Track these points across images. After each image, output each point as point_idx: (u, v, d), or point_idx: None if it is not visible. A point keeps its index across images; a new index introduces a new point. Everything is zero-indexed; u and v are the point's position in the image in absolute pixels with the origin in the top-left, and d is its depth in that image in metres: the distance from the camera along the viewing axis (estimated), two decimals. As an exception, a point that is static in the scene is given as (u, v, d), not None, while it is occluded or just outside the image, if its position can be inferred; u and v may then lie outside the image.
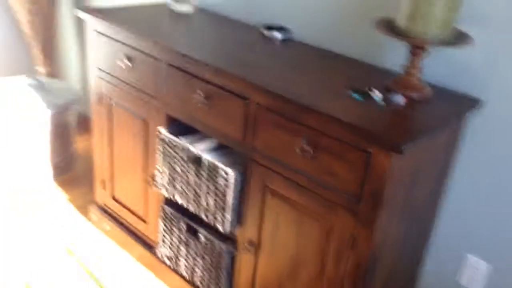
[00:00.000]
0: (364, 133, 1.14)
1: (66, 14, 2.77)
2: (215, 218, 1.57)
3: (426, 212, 1.50)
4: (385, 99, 1.28)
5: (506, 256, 1.48)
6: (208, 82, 1.48)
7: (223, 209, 1.53)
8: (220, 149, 1.62)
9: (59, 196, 2.38)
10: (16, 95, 2.34)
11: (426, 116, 1.28)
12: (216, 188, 1.53)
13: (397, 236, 1.37)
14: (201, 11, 1.99)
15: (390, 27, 1.30)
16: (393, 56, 1.53)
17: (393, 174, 1.16)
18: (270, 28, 1.77)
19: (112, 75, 1.80)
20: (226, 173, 1.48)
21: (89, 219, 2.21)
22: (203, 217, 1.61)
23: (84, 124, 2.82)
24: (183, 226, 1.72)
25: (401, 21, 1.25)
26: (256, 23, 1.87)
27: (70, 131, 2.49)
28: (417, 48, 1.27)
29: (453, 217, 1.56)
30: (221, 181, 1.51)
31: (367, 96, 1.29)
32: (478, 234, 1.52)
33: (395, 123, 1.22)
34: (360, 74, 1.52)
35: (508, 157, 1.40)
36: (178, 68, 1.55)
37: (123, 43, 1.70)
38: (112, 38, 1.74)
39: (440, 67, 1.44)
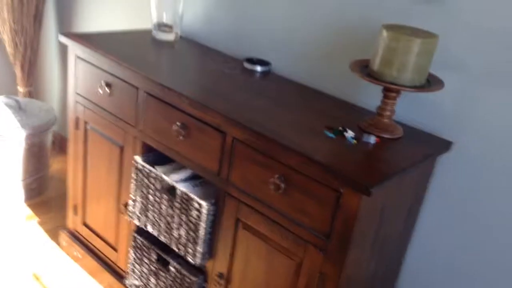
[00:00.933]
0: (335, 173, 1.16)
1: (50, 35, 2.77)
2: (187, 249, 1.55)
3: (395, 249, 1.52)
4: (357, 138, 1.31)
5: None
6: (186, 113, 1.48)
7: (195, 241, 1.52)
8: (194, 179, 1.62)
9: (29, 219, 2.32)
10: (-8, 114, 2.31)
11: (396, 156, 1.30)
12: (189, 219, 1.52)
13: (366, 273, 1.38)
14: (184, 40, 2.02)
15: (365, 69, 1.34)
16: (367, 95, 1.57)
17: (363, 213, 1.17)
18: (250, 60, 1.80)
19: (90, 101, 1.80)
20: (200, 205, 1.48)
21: (59, 244, 2.16)
22: (175, 248, 1.59)
23: (61, 145, 2.79)
24: (154, 257, 1.70)
25: (376, 64, 1.29)
26: (237, 55, 1.90)
27: (45, 152, 2.45)
28: (390, 92, 1.31)
29: (421, 254, 1.57)
30: (194, 213, 1.50)
31: (340, 134, 1.31)
32: (446, 271, 1.54)
33: (366, 163, 1.24)
34: (336, 111, 1.55)
35: (475, 197, 1.43)
36: (156, 97, 1.56)
37: (103, 70, 1.70)
38: (92, 64, 1.74)
39: (412, 108, 1.48)
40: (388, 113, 1.34)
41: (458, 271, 1.51)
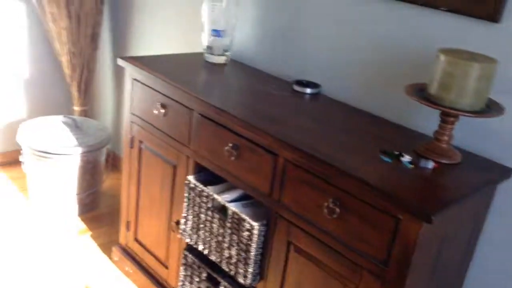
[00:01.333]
0: (394, 199, 1.14)
1: (105, 57, 2.90)
2: (237, 270, 1.56)
3: (453, 278, 1.47)
4: (414, 163, 1.29)
5: None
6: (238, 134, 1.51)
7: (246, 261, 1.53)
8: (245, 199, 1.63)
9: (82, 233, 2.41)
10: (50, 132, 2.43)
11: (455, 182, 1.27)
12: (240, 240, 1.54)
13: None
14: (235, 63, 2.06)
15: (420, 93, 1.33)
16: (423, 120, 1.55)
17: (423, 240, 1.14)
18: (300, 83, 1.81)
19: (145, 121, 1.86)
20: (251, 226, 1.49)
21: (111, 258, 2.23)
22: (225, 267, 1.61)
23: (114, 163, 2.89)
24: (204, 275, 1.72)
25: (433, 89, 1.27)
26: (287, 77, 1.92)
27: (99, 169, 2.55)
28: (448, 116, 1.29)
29: (479, 283, 1.51)
30: (245, 234, 1.51)
31: (396, 159, 1.30)
32: None
33: (425, 189, 1.22)
34: (389, 135, 1.54)
35: None
36: (209, 118, 1.60)
37: (159, 92, 1.76)
38: (148, 86, 1.81)
39: (471, 134, 1.45)
40: (446, 138, 1.32)
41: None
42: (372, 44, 1.67)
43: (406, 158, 1.29)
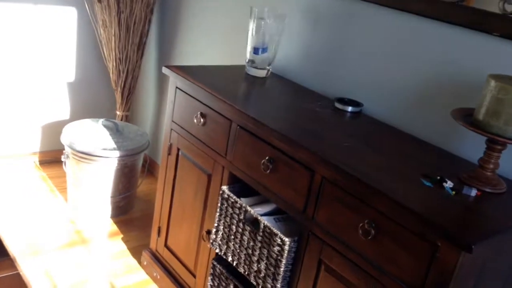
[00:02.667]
0: (433, 224, 1.10)
1: (150, 65, 2.98)
2: (265, 284, 1.55)
3: None
4: (456, 189, 1.24)
5: None
6: (275, 148, 1.51)
7: (275, 277, 1.51)
8: (278, 213, 1.62)
9: (114, 235, 2.45)
10: (92, 134, 2.50)
11: (499, 212, 1.22)
12: (270, 254, 1.52)
13: None
14: (276, 77, 2.07)
15: (467, 118, 1.29)
16: (468, 146, 1.50)
17: (461, 270, 1.10)
18: (342, 100, 1.80)
19: (184, 129, 1.89)
20: (283, 242, 1.47)
21: (140, 262, 2.25)
22: (253, 281, 1.59)
23: (150, 167, 2.94)
24: (231, 287, 1.70)
25: (481, 114, 1.23)
26: (328, 94, 1.91)
27: (135, 173, 2.60)
28: (495, 144, 1.24)
29: None
30: (276, 248, 1.50)
31: (438, 184, 1.26)
32: None
33: (466, 216, 1.18)
34: (431, 159, 1.50)
35: None
36: (247, 130, 1.61)
37: (200, 101, 1.79)
38: (190, 95, 1.84)
39: (517, 163, 1.39)
40: (491, 166, 1.27)
41: None
42: (419, 66, 1.64)
43: (448, 184, 1.25)
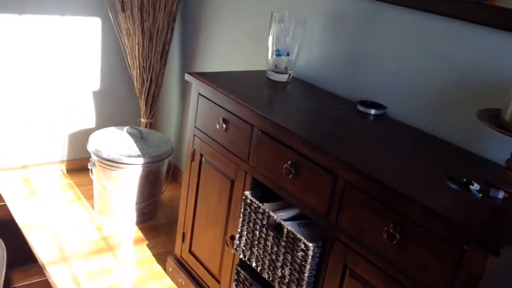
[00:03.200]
0: (460, 228, 1.08)
1: (173, 72, 3.02)
2: (289, 290, 1.54)
3: None
4: (483, 191, 1.22)
5: None
6: (297, 152, 1.50)
7: (299, 282, 1.50)
8: (301, 218, 1.61)
9: (139, 241, 2.48)
10: (117, 142, 2.55)
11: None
12: (294, 260, 1.51)
13: None
14: (297, 81, 2.07)
15: (494, 119, 1.26)
16: (494, 147, 1.46)
17: (488, 273, 1.07)
18: (364, 103, 1.78)
19: (207, 135, 1.91)
20: (306, 247, 1.46)
21: (165, 269, 2.27)
22: (277, 286, 1.59)
23: (174, 174, 2.97)
24: (255, 293, 1.70)
25: (507, 115, 1.20)
26: (351, 97, 1.90)
27: (160, 179, 2.63)
28: (523, 144, 1.21)
29: None
30: (300, 254, 1.49)
31: (464, 186, 1.23)
32: None
33: (494, 220, 1.15)
34: (457, 161, 1.47)
35: None
36: (269, 135, 1.61)
37: (222, 107, 1.80)
38: (212, 101, 1.85)
39: (547, 164, 1.35)
40: (519, 167, 1.24)
41: None
42: (443, 67, 1.61)
43: (475, 187, 1.22)
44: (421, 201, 1.16)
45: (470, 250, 1.07)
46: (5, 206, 1.36)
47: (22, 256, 2.06)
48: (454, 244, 1.10)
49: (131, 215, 2.59)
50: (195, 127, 1.98)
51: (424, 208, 1.15)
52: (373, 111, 1.75)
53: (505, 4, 1.43)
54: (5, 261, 1.10)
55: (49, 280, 2.09)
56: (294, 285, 1.52)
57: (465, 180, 1.26)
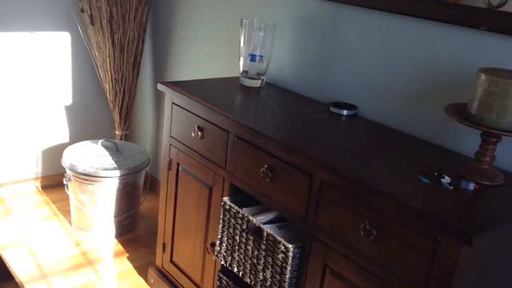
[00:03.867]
0: (433, 220, 1.11)
1: (145, 83, 3.01)
2: (272, 293, 1.54)
3: None
4: (454, 184, 1.25)
5: None
6: (274, 156, 1.52)
7: (281, 284, 1.51)
8: (280, 221, 1.62)
9: (119, 254, 2.45)
10: (92, 156, 2.52)
11: (498, 204, 1.23)
12: (274, 262, 1.52)
13: None
14: (270, 86, 2.09)
15: (461, 113, 1.30)
16: (462, 140, 1.51)
17: (463, 264, 1.10)
18: (337, 104, 1.81)
19: (183, 144, 1.90)
20: (286, 248, 1.47)
21: (147, 280, 2.25)
22: (260, 290, 1.59)
23: (152, 185, 2.95)
24: (239, 298, 1.70)
25: (474, 108, 1.25)
26: (323, 99, 1.93)
27: (137, 191, 2.60)
28: (490, 137, 1.25)
29: None
30: (280, 256, 1.50)
31: (436, 180, 1.27)
32: None
33: (465, 211, 1.18)
34: (428, 156, 1.50)
35: None
36: (245, 140, 1.62)
37: (197, 115, 1.80)
38: (186, 110, 1.85)
39: (513, 155, 1.40)
40: (488, 159, 1.28)
41: None
42: (410, 65, 1.66)
43: (446, 179, 1.26)
44: (394, 196, 1.19)
45: (444, 241, 1.10)
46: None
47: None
48: (429, 236, 1.13)
49: (110, 228, 2.55)
50: (171, 136, 1.97)
51: (398, 202, 1.17)
52: (345, 112, 1.78)
53: (466, 1, 1.48)
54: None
55: (28, 299, 2.04)
56: (276, 287, 1.53)
57: (436, 174, 1.29)
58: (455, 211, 1.17)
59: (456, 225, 1.09)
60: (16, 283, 1.99)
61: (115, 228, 2.57)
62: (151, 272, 2.21)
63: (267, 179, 1.53)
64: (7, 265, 2.20)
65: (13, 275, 1.98)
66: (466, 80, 1.46)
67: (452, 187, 1.24)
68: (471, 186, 1.24)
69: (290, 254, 1.47)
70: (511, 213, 1.20)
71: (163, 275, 2.14)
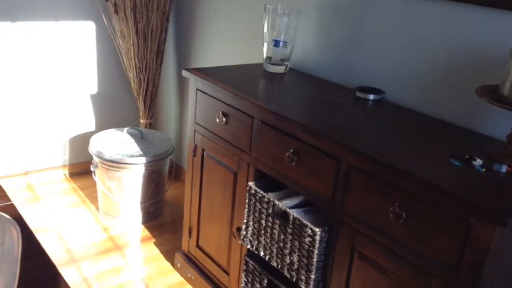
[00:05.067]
0: (465, 202, 1.09)
1: (169, 71, 3.03)
2: (299, 276, 1.55)
3: None
4: (486, 166, 1.23)
5: None
6: (299, 140, 1.51)
7: (308, 268, 1.51)
8: (307, 205, 1.62)
9: (146, 240, 2.49)
10: (119, 143, 2.56)
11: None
12: (301, 246, 1.53)
13: None
14: (294, 72, 2.08)
15: (493, 95, 1.27)
16: (494, 123, 1.48)
17: (496, 246, 1.08)
18: (363, 89, 1.79)
19: (207, 130, 1.92)
20: (313, 232, 1.48)
21: (174, 265, 2.28)
22: (286, 274, 1.60)
23: (176, 172, 2.98)
24: (265, 282, 1.72)
25: (506, 90, 1.22)
26: (349, 84, 1.91)
27: (163, 178, 2.64)
28: (523, 117, 1.23)
29: None
30: (307, 240, 1.50)
31: (467, 163, 1.25)
32: None
33: (498, 193, 1.16)
34: (458, 139, 1.48)
35: None
36: (270, 125, 1.62)
37: (221, 101, 1.81)
38: (211, 96, 1.86)
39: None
40: (521, 140, 1.25)
41: None
42: (438, 48, 1.62)
43: (478, 162, 1.24)
44: (425, 178, 1.17)
45: (477, 224, 1.08)
46: (12, 205, 1.36)
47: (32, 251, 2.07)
48: (461, 219, 1.11)
49: (137, 214, 2.60)
50: (195, 122, 1.98)
51: (428, 184, 1.16)
52: (371, 97, 1.76)
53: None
54: (20, 241, 1.11)
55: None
56: (303, 270, 1.53)
57: (467, 156, 1.27)
58: (488, 193, 1.15)
59: (489, 207, 1.07)
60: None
61: (142, 214, 2.61)
62: (178, 257, 2.24)
63: (293, 164, 1.53)
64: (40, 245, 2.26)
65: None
66: (498, 62, 1.42)
67: (484, 170, 1.22)
68: (504, 168, 1.22)
69: (317, 237, 1.47)
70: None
71: (189, 259, 2.17)
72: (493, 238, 1.06)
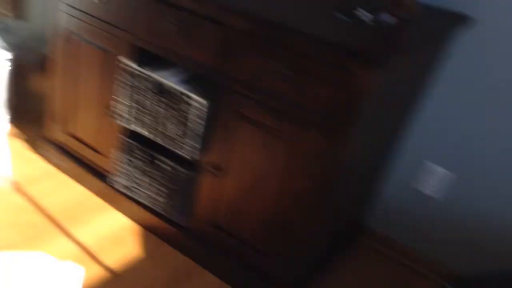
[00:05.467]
0: (346, 50, 1.13)
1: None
2: (179, 145, 1.54)
3: (397, 125, 1.56)
4: (374, 19, 1.25)
5: (468, 166, 1.60)
6: (179, 8, 1.43)
7: (187, 135, 1.50)
8: (192, 81, 1.58)
9: (14, 135, 2.32)
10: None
11: (413, 33, 1.28)
12: (179, 114, 1.49)
13: (364, 151, 1.40)
14: None
15: None
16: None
17: (374, 89, 1.16)
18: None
19: (81, 11, 1.72)
20: (189, 98, 1.44)
21: (42, 155, 2.15)
22: (166, 145, 1.57)
23: (46, 64, 2.73)
24: (144, 156, 1.67)
25: None
26: None
27: (31, 72, 2.44)
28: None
29: (422, 129, 1.64)
30: (183, 107, 1.46)
31: (355, 17, 1.26)
32: (444, 146, 1.62)
33: (380, 40, 1.21)
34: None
35: (488, 76, 1.46)
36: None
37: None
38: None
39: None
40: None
41: (457, 147, 1.58)
42: None
43: (365, 14, 1.25)
44: (307, 32, 1.18)
45: (354, 68, 1.12)
46: None
47: None
48: (344, 68, 1.14)
49: (4, 111, 2.38)
50: (68, 4, 1.76)
51: (312, 38, 1.17)
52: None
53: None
54: None
55: None
56: (182, 139, 1.51)
57: (353, 10, 1.27)
58: (369, 41, 1.19)
59: (367, 51, 1.11)
60: None
61: (9, 111, 2.39)
62: (47, 147, 2.08)
63: (175, 34, 1.45)
64: None
65: None
66: None
67: (372, 23, 1.23)
68: (389, 18, 1.24)
69: (194, 103, 1.44)
70: (424, 40, 1.27)
71: (60, 147, 2.03)
72: (369, 80, 1.11)
